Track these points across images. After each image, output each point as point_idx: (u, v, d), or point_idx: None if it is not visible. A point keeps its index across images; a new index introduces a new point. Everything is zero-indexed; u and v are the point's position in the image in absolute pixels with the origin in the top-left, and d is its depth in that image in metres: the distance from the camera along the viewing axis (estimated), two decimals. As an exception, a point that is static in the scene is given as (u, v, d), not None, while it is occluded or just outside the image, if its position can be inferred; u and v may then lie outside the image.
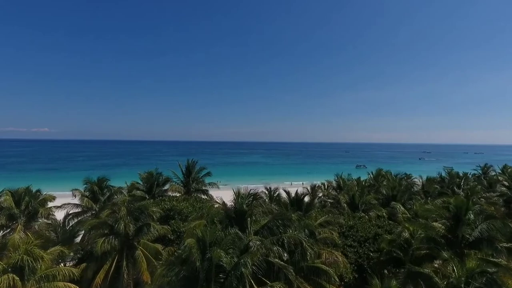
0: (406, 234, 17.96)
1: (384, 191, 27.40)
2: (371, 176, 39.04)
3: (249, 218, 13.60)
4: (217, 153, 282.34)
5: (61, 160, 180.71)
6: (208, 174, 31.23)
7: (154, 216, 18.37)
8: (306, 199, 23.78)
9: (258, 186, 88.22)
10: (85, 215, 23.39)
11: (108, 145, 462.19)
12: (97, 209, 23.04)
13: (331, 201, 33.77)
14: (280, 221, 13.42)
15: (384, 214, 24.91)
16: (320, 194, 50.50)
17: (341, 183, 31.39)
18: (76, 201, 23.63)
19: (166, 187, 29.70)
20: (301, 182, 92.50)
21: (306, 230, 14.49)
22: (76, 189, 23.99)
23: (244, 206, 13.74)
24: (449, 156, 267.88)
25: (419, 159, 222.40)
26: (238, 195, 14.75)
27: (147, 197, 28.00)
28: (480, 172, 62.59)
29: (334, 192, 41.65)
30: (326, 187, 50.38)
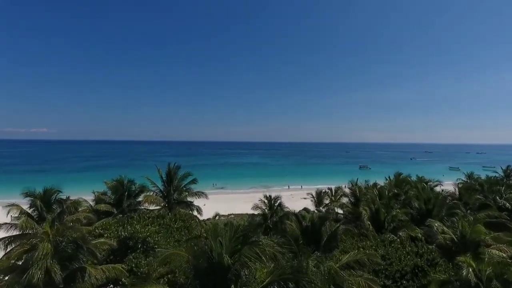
0: (471, 277, 12.14)
1: (416, 204, 21.53)
2: (390, 181, 33.08)
3: (234, 283, 7.66)
4: (216, 153, 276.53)
5: (55, 161, 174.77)
6: (194, 181, 25.26)
7: (99, 253, 12.56)
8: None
9: (256, 190, 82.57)
10: (26, 240, 17.44)
11: (107, 145, 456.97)
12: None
13: (344, 213, 27.97)
14: (291, 284, 7.60)
15: (419, 235, 19.06)
16: (327, 201, 44.64)
17: (358, 192, 25.49)
18: (15, 220, 17.66)
19: (141, 198, 23.80)
20: (299, 185, 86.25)
21: (331, 286, 8.72)
22: (14, 205, 18.02)
23: (226, 259, 7.72)
24: (452, 156, 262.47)
25: (411, 159, 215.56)
26: (215, 235, 8.56)
27: (115, 212, 22.15)
28: (502, 174, 56.73)
29: (345, 200, 35.75)
30: (333, 193, 44.48)
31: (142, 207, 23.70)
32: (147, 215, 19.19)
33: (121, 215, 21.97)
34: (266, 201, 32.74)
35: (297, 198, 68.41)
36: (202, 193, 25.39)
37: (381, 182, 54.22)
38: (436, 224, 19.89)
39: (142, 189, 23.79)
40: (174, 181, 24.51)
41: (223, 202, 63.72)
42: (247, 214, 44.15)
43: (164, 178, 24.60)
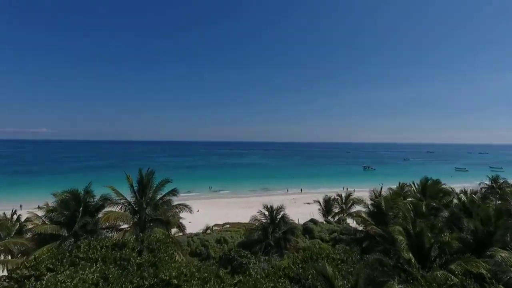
0: None
1: (472, 225, 15.80)
2: (414, 188, 27.42)
3: None
4: (214, 153, 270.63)
5: (47, 162, 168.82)
6: (173, 193, 19.49)
7: None
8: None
9: (255, 193, 76.67)
10: None
11: (105, 145, 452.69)
12: None
13: (364, 229, 22.39)
14: None
15: (483, 271, 13.50)
16: (337, 210, 39.08)
17: (383, 204, 19.90)
18: None
19: (102, 214, 18.17)
20: (299, 189, 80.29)
21: None
22: None
23: None
24: (454, 156, 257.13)
25: (404, 159, 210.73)
26: None
27: (65, 234, 16.55)
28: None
29: (359, 208, 30.23)
30: (344, 200, 38.92)
31: (106, 226, 18.08)
32: (101, 244, 13.58)
33: (72, 240, 16.43)
34: (266, 212, 27.22)
35: (299, 203, 62.77)
36: (185, 206, 19.72)
37: (392, 186, 48.75)
38: (502, 255, 14.35)
39: (104, 202, 18.14)
40: (147, 192, 18.85)
41: (219, 207, 58.00)
42: (244, 224, 38.50)
43: (135, 188, 18.93)
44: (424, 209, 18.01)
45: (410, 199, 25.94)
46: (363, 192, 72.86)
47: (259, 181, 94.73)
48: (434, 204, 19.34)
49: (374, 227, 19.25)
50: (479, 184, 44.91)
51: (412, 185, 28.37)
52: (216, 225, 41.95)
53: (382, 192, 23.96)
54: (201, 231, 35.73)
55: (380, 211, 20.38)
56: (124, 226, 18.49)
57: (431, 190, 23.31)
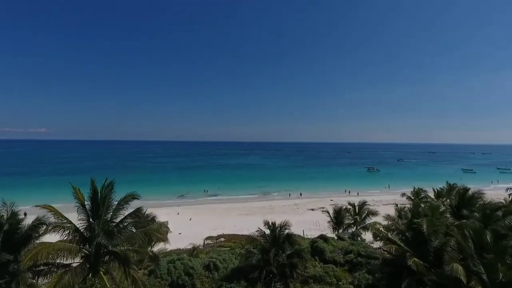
0: None
1: None
2: (448, 200, 22.10)
3: None
4: (213, 154, 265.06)
5: (40, 163, 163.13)
6: (138, 213, 14.11)
7: None
8: None
9: (254, 198, 70.96)
10: None
11: (104, 145, 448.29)
12: None
13: (385, 250, 17.30)
14: None
15: None
16: (350, 221, 33.80)
17: (425, 227, 14.68)
18: None
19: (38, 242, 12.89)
20: (299, 193, 74.43)
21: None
22: None
23: None
24: (457, 157, 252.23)
25: (398, 160, 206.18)
26: None
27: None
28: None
29: (380, 221, 25.02)
30: (357, 211, 33.60)
31: (43, 263, 12.75)
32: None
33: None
34: (267, 231, 21.99)
35: (302, 209, 57.37)
36: (157, 232, 14.35)
37: (401, 190, 43.41)
38: None
39: (37, 228, 12.81)
40: (103, 212, 13.52)
41: (214, 215, 52.34)
42: (242, 237, 33.22)
43: (87, 206, 13.64)
44: (489, 238, 12.82)
45: (448, 215, 20.63)
46: (369, 196, 67.42)
47: (258, 184, 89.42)
48: (501, 230, 14.17)
49: (416, 259, 13.99)
50: (506, 190, 39.55)
51: (435, 192, 22.98)
52: (209, 237, 36.60)
53: (404, 204, 18.49)
54: (189, 246, 30.17)
55: (420, 236, 15.11)
56: (74, 260, 13.18)
57: (484, 209, 17.72)
